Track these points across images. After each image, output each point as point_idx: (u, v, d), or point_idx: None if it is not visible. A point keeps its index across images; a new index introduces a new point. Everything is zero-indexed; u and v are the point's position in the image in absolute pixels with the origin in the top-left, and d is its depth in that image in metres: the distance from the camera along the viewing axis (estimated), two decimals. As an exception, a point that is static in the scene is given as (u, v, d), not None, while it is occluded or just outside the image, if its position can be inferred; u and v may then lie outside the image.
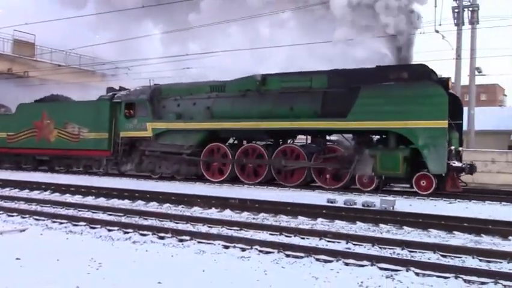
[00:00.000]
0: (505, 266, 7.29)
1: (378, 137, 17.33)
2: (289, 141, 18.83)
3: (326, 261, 7.25)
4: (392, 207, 11.97)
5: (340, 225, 10.47)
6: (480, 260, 7.53)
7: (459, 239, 9.28)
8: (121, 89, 22.77)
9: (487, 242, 9.07)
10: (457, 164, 15.54)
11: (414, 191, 15.59)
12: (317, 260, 7.31)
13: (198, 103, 19.66)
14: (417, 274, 6.62)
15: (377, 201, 12.40)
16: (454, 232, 9.77)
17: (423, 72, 16.15)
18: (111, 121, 21.58)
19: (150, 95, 20.81)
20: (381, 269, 6.83)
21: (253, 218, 11.28)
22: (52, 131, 23.32)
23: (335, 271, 6.80)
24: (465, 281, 6.38)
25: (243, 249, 7.86)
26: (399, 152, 15.71)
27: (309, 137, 19.11)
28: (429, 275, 6.59)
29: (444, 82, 16.03)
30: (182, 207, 12.82)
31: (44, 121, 23.77)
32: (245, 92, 18.68)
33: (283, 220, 11.08)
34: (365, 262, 7.08)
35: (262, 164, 18.06)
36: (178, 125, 19.82)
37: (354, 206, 12.35)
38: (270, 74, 18.57)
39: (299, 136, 19.42)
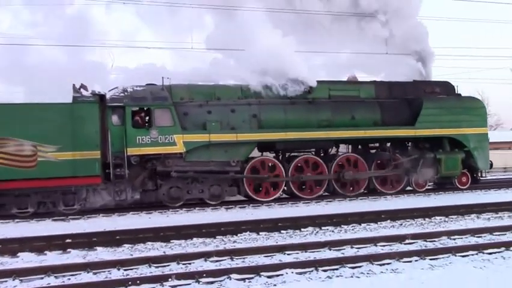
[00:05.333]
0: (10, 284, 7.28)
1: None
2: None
3: None
4: None
5: None
6: (-16, 283, 7.27)
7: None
8: (82, 87, 15.55)
9: (-5, 262, 8.88)
10: None
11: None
12: None
13: (239, 110, 16.68)
14: None
15: None
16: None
17: (451, 88, 19.65)
18: (102, 133, 15.05)
19: (171, 98, 15.94)
20: None
21: None
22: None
23: None
24: None
25: None
26: (459, 154, 18.43)
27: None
28: None
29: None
30: None
31: None
32: (293, 99, 17.29)
33: None
34: None
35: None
36: (227, 136, 16.21)
37: None
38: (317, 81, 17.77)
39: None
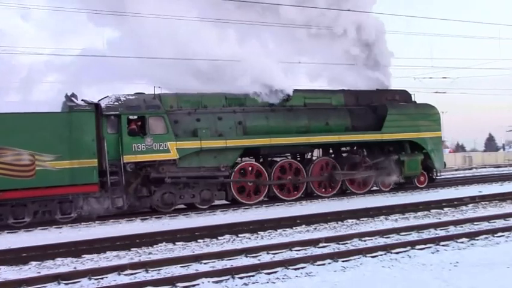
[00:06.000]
0: None
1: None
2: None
3: None
4: None
5: None
6: None
7: None
8: (73, 95, 15.77)
9: None
10: None
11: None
12: None
13: (225, 117, 17.52)
14: None
15: None
16: None
17: (408, 96, 21.40)
18: (99, 141, 15.29)
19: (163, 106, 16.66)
20: None
21: None
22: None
23: None
24: None
25: None
26: (419, 156, 19.96)
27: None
28: None
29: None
30: None
31: None
32: (273, 107, 18.44)
33: None
34: None
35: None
36: (217, 143, 16.99)
37: None
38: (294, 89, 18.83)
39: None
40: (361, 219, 13.17)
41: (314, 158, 19.38)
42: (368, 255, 8.75)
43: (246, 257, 9.15)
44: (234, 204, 17.31)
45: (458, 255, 8.55)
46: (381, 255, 8.79)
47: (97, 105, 15.82)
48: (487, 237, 9.87)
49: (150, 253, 10.12)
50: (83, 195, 15.10)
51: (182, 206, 17.38)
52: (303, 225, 12.45)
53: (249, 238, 11.32)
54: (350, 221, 12.97)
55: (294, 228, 12.23)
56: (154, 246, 10.72)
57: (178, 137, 16.46)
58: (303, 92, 19.40)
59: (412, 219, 13.03)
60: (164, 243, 10.91)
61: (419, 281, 7.11)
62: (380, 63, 21.76)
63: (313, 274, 7.80)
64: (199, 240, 11.11)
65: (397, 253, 8.87)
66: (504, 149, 76.42)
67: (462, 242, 9.55)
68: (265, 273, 7.85)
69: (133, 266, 8.55)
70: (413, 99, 21.44)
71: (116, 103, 16.02)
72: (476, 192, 17.92)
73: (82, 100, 15.85)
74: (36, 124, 14.62)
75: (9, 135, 14.31)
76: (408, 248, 9.16)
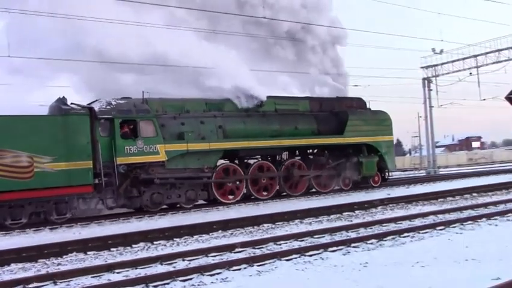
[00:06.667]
0: None
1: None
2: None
3: None
4: None
5: None
6: None
7: None
8: (63, 99, 16.04)
9: None
10: None
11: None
12: None
13: (207, 122, 18.60)
14: None
15: None
16: None
17: (363, 103, 23.35)
18: (93, 144, 15.77)
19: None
20: None
21: None
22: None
23: None
24: None
25: None
26: (375, 158, 21.87)
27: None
28: None
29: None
30: None
31: None
32: (249, 112, 19.70)
33: None
34: None
35: (274, 178, 19.86)
36: (202, 145, 18.03)
37: None
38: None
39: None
40: (277, 223, 13.37)
41: (284, 159, 20.69)
42: (282, 258, 8.87)
43: (161, 264, 8.97)
44: (213, 203, 18.39)
45: (368, 256, 8.89)
46: (295, 258, 8.94)
47: (90, 109, 16.39)
48: (394, 238, 10.34)
49: (59, 264, 9.66)
50: (79, 196, 15.66)
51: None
52: (220, 231, 12.43)
53: (165, 245, 11.12)
54: (266, 225, 13.12)
55: (210, 234, 12.18)
56: (64, 256, 10.25)
57: (165, 140, 17.34)
58: (274, 99, 20.78)
59: (325, 222, 13.42)
60: (75, 253, 10.48)
61: (330, 282, 7.32)
62: (338, 73, 23.77)
63: (228, 280, 7.79)
64: (112, 249, 10.77)
65: (311, 256, 9.06)
66: (410, 154, 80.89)
67: (371, 243, 9.95)
68: (181, 281, 7.73)
69: (39, 279, 8.11)
70: (367, 106, 23.42)
71: (108, 107, 16.69)
72: (385, 195, 18.82)
73: (72, 103, 16.30)
74: (35, 126, 15.06)
75: (8, 137, 14.64)
76: (322, 250, 9.40)
